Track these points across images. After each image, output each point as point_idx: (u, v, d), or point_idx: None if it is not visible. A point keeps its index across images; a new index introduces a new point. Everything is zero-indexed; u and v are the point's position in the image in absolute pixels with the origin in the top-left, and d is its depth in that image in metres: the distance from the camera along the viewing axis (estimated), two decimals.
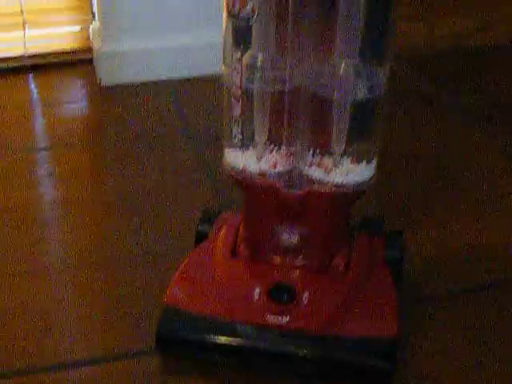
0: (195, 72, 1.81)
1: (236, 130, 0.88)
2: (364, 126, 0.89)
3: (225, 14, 0.84)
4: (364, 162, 0.90)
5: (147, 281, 1.11)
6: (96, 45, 1.85)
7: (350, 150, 0.89)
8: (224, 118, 0.90)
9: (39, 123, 1.68)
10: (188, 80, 1.80)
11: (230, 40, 0.85)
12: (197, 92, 1.74)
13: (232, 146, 0.91)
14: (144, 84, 1.79)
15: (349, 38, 0.81)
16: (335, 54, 0.83)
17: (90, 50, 1.95)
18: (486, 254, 1.15)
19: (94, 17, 1.94)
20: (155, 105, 1.70)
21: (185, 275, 0.98)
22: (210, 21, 1.76)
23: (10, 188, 1.39)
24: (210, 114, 1.57)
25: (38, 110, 1.75)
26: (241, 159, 0.91)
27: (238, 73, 0.84)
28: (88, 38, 1.97)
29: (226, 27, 0.84)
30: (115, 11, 1.80)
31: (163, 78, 1.81)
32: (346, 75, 0.83)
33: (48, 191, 1.42)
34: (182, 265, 0.99)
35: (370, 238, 1.02)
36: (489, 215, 1.26)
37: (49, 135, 1.63)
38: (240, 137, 0.88)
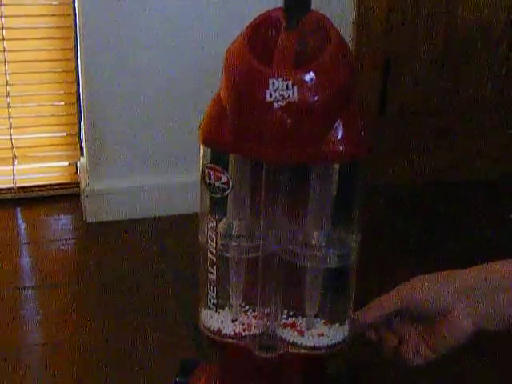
0: (179, 210, 1.84)
1: (211, 294, 0.90)
2: (336, 290, 0.91)
3: (201, 184, 0.87)
4: (337, 324, 0.92)
5: None
6: (83, 181, 1.89)
7: (323, 312, 0.91)
8: (200, 280, 0.92)
9: (25, 261, 1.70)
10: (172, 217, 1.83)
11: (205, 209, 0.88)
12: (181, 230, 1.77)
13: (208, 307, 0.92)
14: (128, 221, 1.82)
15: (320, 209, 0.85)
16: (307, 224, 0.86)
17: (77, 184, 1.98)
18: None
19: (82, 153, 1.99)
20: (139, 244, 1.73)
21: None
22: (194, 161, 1.80)
23: None
24: (190, 252, 1.59)
25: (24, 247, 1.77)
26: (216, 320, 0.92)
27: (212, 241, 0.87)
28: (76, 173, 2.01)
29: (202, 196, 0.88)
30: (102, 150, 1.85)
31: (147, 215, 1.85)
32: (317, 245, 0.86)
33: (31, 332, 1.43)
34: None
35: None
36: None
37: (34, 273, 1.65)
38: (215, 301, 0.90)
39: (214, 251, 0.87)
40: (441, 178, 2.17)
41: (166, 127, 1.86)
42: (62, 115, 2.00)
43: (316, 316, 0.91)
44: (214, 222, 0.86)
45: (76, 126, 2.00)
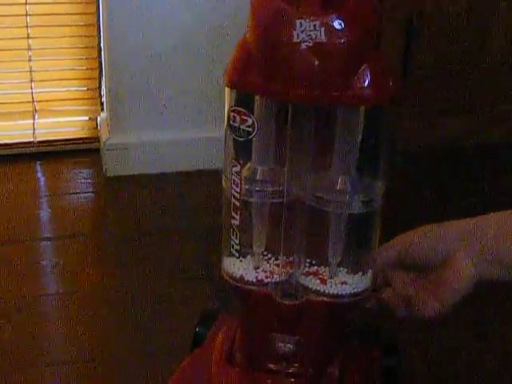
0: (201, 165, 1.83)
1: (234, 240, 0.89)
2: (360, 238, 0.90)
3: (226, 127, 0.86)
4: (360, 273, 0.91)
5: (143, 381, 1.11)
6: (103, 136, 1.89)
7: (346, 260, 0.90)
8: (223, 227, 0.91)
9: (44, 212, 1.70)
10: (193, 173, 1.82)
11: (230, 153, 0.87)
12: (202, 186, 1.76)
13: (230, 254, 0.92)
14: (149, 176, 1.82)
15: (345, 155, 0.83)
16: (332, 169, 0.85)
17: (97, 139, 1.98)
18: None
19: (102, 108, 1.98)
20: (159, 198, 1.72)
21: (181, 381, 0.98)
22: (214, 116, 1.79)
23: (13, 278, 1.40)
24: (212, 209, 1.59)
25: (44, 199, 1.77)
26: (238, 268, 0.92)
27: (236, 186, 0.86)
28: (96, 128, 2.01)
29: (227, 140, 0.87)
30: (123, 104, 1.84)
31: (168, 170, 1.84)
32: (342, 190, 0.84)
33: (51, 283, 1.43)
34: (178, 370, 0.99)
35: (366, 346, 1.02)
36: None
37: (53, 225, 1.65)
38: (237, 247, 0.89)
39: (238, 196, 0.86)
40: (464, 142, 2.15)
41: (187, 81, 1.85)
42: (83, 69, 1.99)
43: (339, 265, 0.91)
44: (239, 167, 0.85)
45: (97, 81, 1.99)
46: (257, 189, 0.86)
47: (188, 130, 1.88)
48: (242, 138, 0.84)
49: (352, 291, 0.90)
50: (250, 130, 0.83)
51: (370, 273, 0.92)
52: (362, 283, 0.91)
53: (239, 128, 0.83)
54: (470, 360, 1.20)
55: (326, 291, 0.90)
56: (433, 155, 2.00)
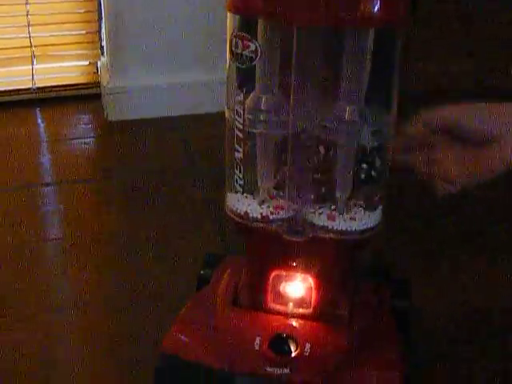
0: (203, 109, 1.79)
1: (237, 174, 0.85)
2: (369, 172, 0.86)
3: (228, 55, 0.81)
4: (369, 210, 0.87)
5: (147, 323, 1.09)
6: (104, 80, 1.84)
7: (355, 196, 0.86)
8: (226, 162, 0.87)
9: (45, 158, 1.66)
10: (195, 116, 1.78)
11: (232, 82, 0.82)
12: (204, 129, 1.72)
13: (234, 190, 0.88)
14: (151, 120, 1.78)
15: (354, 82, 0.79)
16: (341, 98, 0.80)
17: (98, 84, 1.93)
18: None
19: (102, 52, 1.94)
20: (161, 142, 1.68)
21: (184, 322, 0.95)
22: (217, 58, 1.74)
23: (13, 224, 1.37)
24: (217, 152, 1.55)
25: (44, 145, 1.73)
26: (242, 204, 0.88)
27: (240, 116, 0.81)
28: (96, 73, 1.96)
29: (229, 68, 0.82)
30: (124, 47, 1.80)
31: (170, 114, 1.80)
32: (351, 119, 0.80)
33: (52, 228, 1.40)
34: (182, 311, 0.96)
35: (376, 285, 0.99)
36: None
37: (54, 170, 1.62)
38: (241, 182, 0.85)
39: (242, 127, 0.82)
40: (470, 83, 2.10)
41: (188, 23, 1.80)
42: (82, 12, 1.94)
43: (348, 200, 0.87)
44: (242, 96, 0.81)
45: (96, 24, 1.94)
46: (261, 119, 0.82)
47: (190, 72, 1.84)
48: (244, 64, 0.79)
49: (361, 228, 0.86)
50: (253, 56, 0.78)
51: (379, 209, 0.88)
52: (371, 220, 0.87)
53: (242, 54, 0.79)
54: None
55: (334, 227, 0.86)
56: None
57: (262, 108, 0.82)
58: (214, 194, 1.43)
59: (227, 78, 0.83)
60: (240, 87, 0.81)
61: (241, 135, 0.83)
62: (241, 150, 0.83)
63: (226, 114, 0.84)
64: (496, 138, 0.82)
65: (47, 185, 1.54)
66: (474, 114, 0.84)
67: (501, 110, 0.83)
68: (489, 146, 0.82)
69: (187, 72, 1.83)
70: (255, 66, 0.79)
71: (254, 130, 0.83)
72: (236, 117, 0.82)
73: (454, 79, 2.07)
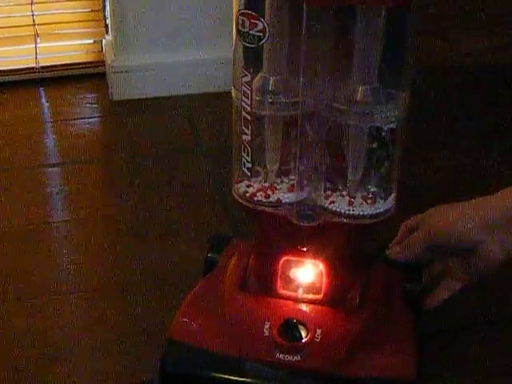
0: (209, 87, 1.76)
1: (245, 157, 0.83)
2: (382, 155, 0.83)
3: (235, 34, 0.79)
4: (382, 194, 0.85)
5: (154, 308, 1.07)
6: (108, 59, 1.82)
7: (368, 180, 0.84)
8: (234, 144, 0.85)
9: (49, 139, 1.64)
10: (202, 95, 1.75)
11: (239, 61, 0.80)
12: (211, 108, 1.69)
13: (242, 173, 0.86)
14: (156, 99, 1.75)
15: (366, 62, 0.76)
16: (352, 79, 0.78)
17: (102, 63, 1.91)
18: None
19: (107, 30, 1.91)
20: (167, 121, 1.66)
21: (191, 307, 0.93)
22: (224, 36, 1.71)
23: (18, 205, 1.35)
24: (223, 131, 1.53)
25: (49, 125, 1.70)
26: (251, 188, 0.85)
27: (247, 97, 0.79)
28: (101, 51, 1.93)
29: (236, 48, 0.80)
30: (128, 25, 1.77)
31: (176, 93, 1.77)
32: (363, 101, 0.78)
33: (57, 210, 1.39)
34: (189, 296, 0.94)
35: (388, 269, 0.97)
36: None
37: (58, 151, 1.59)
38: (249, 165, 0.83)
39: (249, 109, 0.80)
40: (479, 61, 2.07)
41: (194, 1, 1.76)
42: None
43: (360, 184, 0.84)
44: (249, 77, 0.79)
45: (100, 2, 1.91)
46: (269, 100, 0.80)
47: (196, 50, 1.80)
48: (251, 44, 0.77)
49: (373, 212, 0.84)
50: (261, 35, 0.76)
51: (392, 193, 0.86)
52: (383, 204, 0.85)
53: (248, 33, 0.76)
54: None
55: (346, 212, 0.84)
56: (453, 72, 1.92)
57: (270, 89, 0.79)
58: (220, 173, 1.41)
59: (233, 57, 0.81)
60: (247, 67, 0.79)
61: (248, 117, 0.80)
62: (248, 132, 0.81)
63: (233, 94, 0.82)
64: (478, 244, 0.88)
65: (52, 165, 1.51)
66: (450, 227, 0.90)
67: (474, 213, 0.89)
68: (476, 252, 0.89)
69: (193, 50, 1.80)
70: (263, 45, 0.77)
71: (262, 112, 0.80)
72: (243, 98, 0.80)
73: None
